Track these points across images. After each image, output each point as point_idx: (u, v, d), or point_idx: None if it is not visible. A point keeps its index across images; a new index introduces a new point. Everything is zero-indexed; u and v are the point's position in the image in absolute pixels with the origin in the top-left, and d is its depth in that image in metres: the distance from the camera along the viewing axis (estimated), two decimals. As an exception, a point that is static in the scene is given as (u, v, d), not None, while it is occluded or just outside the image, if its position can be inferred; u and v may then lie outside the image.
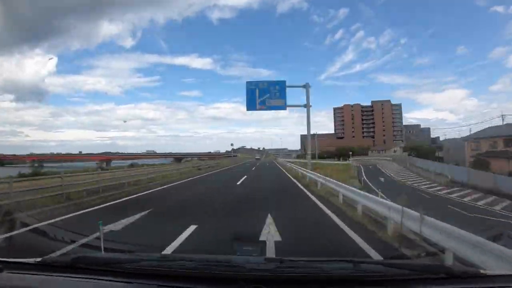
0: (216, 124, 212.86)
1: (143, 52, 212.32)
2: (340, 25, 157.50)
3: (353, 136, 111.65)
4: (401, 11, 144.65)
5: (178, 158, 75.16)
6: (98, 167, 40.15)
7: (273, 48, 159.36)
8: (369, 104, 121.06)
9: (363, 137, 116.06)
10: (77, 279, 1.41)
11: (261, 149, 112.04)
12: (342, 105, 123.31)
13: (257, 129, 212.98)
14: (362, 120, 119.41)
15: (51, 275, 1.44)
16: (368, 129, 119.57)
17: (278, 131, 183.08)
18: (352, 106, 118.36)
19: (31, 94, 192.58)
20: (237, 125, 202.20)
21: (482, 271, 1.45)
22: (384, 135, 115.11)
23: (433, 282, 1.38)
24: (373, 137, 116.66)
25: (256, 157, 28.17)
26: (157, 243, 4.51)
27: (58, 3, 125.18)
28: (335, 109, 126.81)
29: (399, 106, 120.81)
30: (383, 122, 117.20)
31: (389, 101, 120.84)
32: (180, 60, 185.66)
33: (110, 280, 1.38)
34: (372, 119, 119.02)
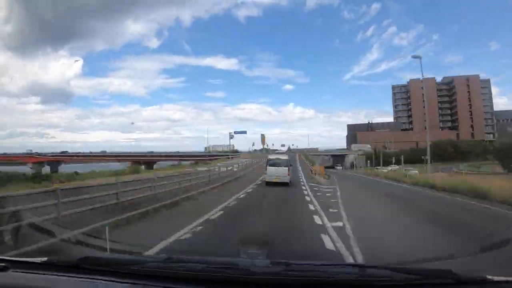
0: (241, 125, 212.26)
1: (169, 53, 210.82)
2: (370, 22, 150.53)
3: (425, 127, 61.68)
4: (429, 6, 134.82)
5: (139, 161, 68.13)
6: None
7: (301, 47, 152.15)
8: (442, 80, 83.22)
9: (441, 128, 79.84)
10: (82, 279, 1.41)
11: (285, 147, 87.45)
12: (408, 81, 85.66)
13: (282, 130, 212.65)
14: (439, 103, 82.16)
15: (57, 275, 1.45)
16: (446, 116, 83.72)
17: (305, 132, 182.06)
18: (422, 81, 70.45)
19: (57, 96, 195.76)
20: (262, 126, 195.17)
21: (489, 277, 1.43)
22: (471, 125, 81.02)
23: None
24: (455, 127, 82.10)
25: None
26: None
27: (81, 3, 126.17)
28: (394, 87, 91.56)
29: (487, 84, 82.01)
30: (470, 106, 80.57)
31: (477, 76, 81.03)
32: (206, 61, 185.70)
33: (115, 281, 1.38)
34: (451, 101, 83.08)
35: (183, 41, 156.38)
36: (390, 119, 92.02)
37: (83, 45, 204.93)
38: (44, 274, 1.46)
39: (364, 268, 1.45)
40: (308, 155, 63.46)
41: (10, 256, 1.86)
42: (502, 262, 3.82)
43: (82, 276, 1.43)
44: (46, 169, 68.87)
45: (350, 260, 4.07)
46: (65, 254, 2.89)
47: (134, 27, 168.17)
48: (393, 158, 49.88)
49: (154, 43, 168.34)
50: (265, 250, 2.03)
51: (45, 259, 1.58)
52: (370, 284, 1.38)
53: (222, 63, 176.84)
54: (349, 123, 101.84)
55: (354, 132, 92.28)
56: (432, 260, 3.80)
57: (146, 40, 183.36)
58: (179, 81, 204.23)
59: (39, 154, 78.42)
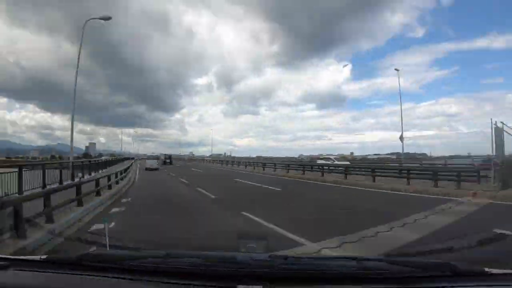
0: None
1: (436, 41, 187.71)
2: None
3: None
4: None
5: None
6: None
7: None
8: None
9: None
10: (82, 276, 1.42)
11: None
12: None
13: None
14: None
15: (57, 272, 1.46)
16: None
17: None
18: None
19: (330, 101, 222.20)
20: None
21: (487, 269, 1.44)
22: None
23: (438, 280, 1.37)
24: None
25: None
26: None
27: (333, 7, 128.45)
28: None
29: None
30: None
31: None
32: (477, 44, 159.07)
33: (115, 277, 1.39)
34: None
35: (446, 25, 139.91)
36: None
37: (347, 49, 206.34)
38: (44, 271, 1.47)
39: (362, 261, 1.46)
40: None
41: (11, 255, 1.87)
42: (500, 255, 3.85)
43: (82, 273, 1.44)
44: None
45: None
46: (65, 252, 2.90)
47: (394, 19, 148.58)
48: None
49: (418, 32, 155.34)
50: (264, 244, 2.03)
51: (45, 256, 1.59)
52: (367, 277, 1.39)
53: (497, 42, 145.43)
54: None
55: None
56: (430, 252, 3.82)
57: (409, 31, 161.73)
58: (450, 71, 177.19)
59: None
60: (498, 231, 5.22)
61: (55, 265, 1.52)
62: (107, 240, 2.29)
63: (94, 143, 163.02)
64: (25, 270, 1.48)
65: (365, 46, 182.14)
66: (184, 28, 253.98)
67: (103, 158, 42.30)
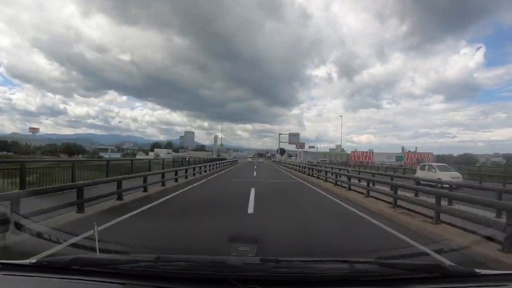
0: None
1: None
2: None
3: None
4: None
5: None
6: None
7: None
8: None
9: None
10: (72, 280, 1.40)
11: None
12: None
13: None
14: None
15: (47, 276, 1.44)
16: None
17: None
18: None
19: (459, 92, 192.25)
20: None
21: (477, 270, 1.46)
22: None
23: (428, 282, 1.39)
24: None
25: None
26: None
27: None
28: None
29: None
30: None
31: None
32: None
33: (106, 281, 1.38)
34: None
35: None
36: None
37: (482, 28, 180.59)
38: (34, 276, 1.45)
39: (353, 264, 1.47)
40: None
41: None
42: (489, 256, 3.91)
43: (72, 277, 1.42)
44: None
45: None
46: (55, 255, 2.86)
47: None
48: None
49: None
50: (255, 247, 2.03)
51: (35, 260, 1.57)
52: (358, 279, 1.40)
53: None
54: None
55: None
56: (420, 254, 3.87)
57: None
58: None
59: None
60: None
61: (45, 269, 1.50)
62: (97, 244, 2.26)
63: (193, 133, 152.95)
64: (14, 275, 1.46)
65: (505, 22, 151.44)
66: (297, 10, 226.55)
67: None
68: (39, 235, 4.15)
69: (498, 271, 1.58)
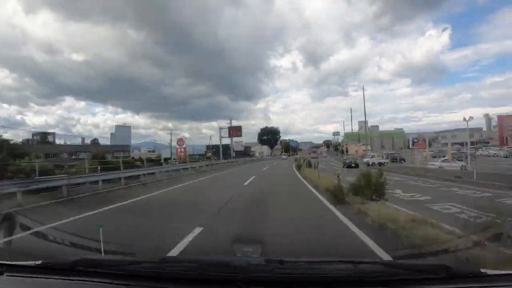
0: None
1: None
2: None
3: None
4: None
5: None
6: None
7: None
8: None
9: None
10: (77, 281, 1.41)
11: None
12: None
13: None
14: None
15: (52, 278, 1.45)
16: None
17: None
18: None
19: (424, 75, 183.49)
20: None
21: (483, 270, 1.45)
22: None
23: (434, 282, 1.38)
24: None
25: None
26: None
27: None
28: None
29: None
30: None
31: None
32: None
33: (110, 283, 1.38)
34: None
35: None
36: None
37: (451, 7, 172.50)
38: (39, 277, 1.46)
39: (357, 264, 1.46)
40: None
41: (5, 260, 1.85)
42: (495, 256, 3.87)
43: (77, 278, 1.43)
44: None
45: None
46: (59, 257, 2.87)
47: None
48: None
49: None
50: (259, 248, 2.03)
51: (39, 262, 1.57)
52: (363, 280, 1.39)
53: None
54: None
55: None
56: (425, 254, 3.84)
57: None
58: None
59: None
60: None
61: (50, 271, 1.51)
62: (101, 245, 2.27)
63: (129, 127, 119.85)
64: (20, 276, 1.47)
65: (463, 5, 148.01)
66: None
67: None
68: (44, 236, 4.19)
69: (505, 271, 1.56)
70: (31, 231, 4.51)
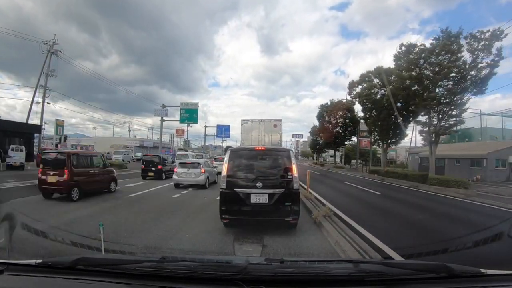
0: None
1: None
2: None
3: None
4: None
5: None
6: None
7: None
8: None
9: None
10: (77, 280, 1.41)
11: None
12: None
13: None
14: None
15: (52, 277, 1.44)
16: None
17: None
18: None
19: None
20: None
21: (482, 270, 1.45)
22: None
23: (433, 282, 1.38)
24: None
25: None
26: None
27: None
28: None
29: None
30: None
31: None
32: None
33: (110, 281, 1.38)
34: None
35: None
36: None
37: None
38: (39, 276, 1.46)
39: (358, 264, 1.46)
40: None
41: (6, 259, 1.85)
42: (495, 256, 3.88)
43: (77, 277, 1.43)
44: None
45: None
46: (60, 256, 2.88)
47: None
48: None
49: None
50: (259, 248, 2.03)
51: (40, 260, 1.57)
52: (363, 280, 1.39)
53: None
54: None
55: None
56: (425, 254, 3.84)
57: None
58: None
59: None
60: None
61: (50, 269, 1.51)
62: (102, 244, 2.27)
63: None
64: (20, 275, 1.47)
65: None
66: None
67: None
68: (44, 235, 4.20)
69: (504, 271, 1.56)
70: (30, 229, 4.52)
